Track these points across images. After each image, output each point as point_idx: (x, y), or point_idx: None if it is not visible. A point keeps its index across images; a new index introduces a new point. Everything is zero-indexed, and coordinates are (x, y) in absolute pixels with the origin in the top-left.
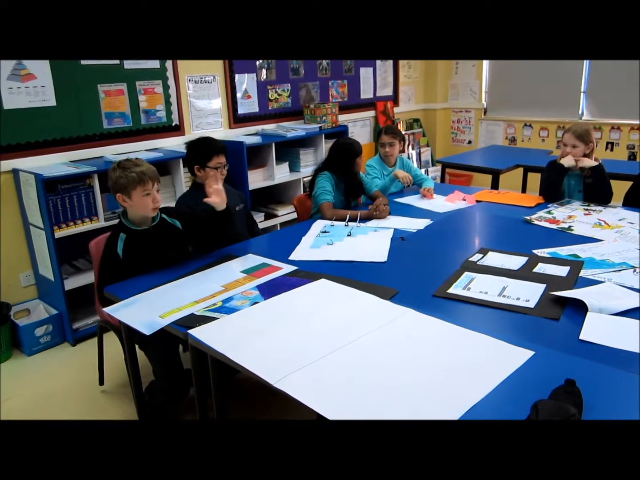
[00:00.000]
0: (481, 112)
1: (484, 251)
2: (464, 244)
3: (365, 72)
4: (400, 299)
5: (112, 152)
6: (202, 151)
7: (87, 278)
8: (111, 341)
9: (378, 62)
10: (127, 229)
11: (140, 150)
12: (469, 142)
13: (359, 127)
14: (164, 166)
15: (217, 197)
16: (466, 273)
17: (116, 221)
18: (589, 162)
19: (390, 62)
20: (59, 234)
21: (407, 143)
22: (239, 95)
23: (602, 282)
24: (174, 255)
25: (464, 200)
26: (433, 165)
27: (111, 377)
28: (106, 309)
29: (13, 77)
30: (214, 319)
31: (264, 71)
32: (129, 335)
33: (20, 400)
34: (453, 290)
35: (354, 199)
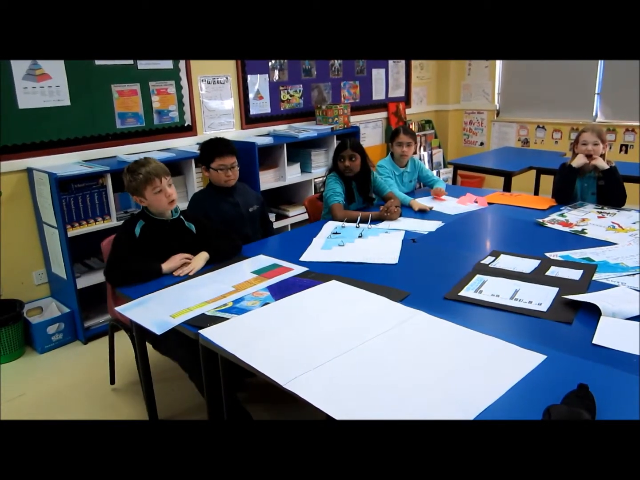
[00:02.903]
0: (494, 113)
1: (496, 254)
2: (476, 247)
3: (378, 73)
4: (411, 301)
5: (125, 152)
6: (206, 153)
7: (99, 277)
8: (122, 340)
9: (390, 62)
10: (147, 217)
11: (153, 150)
12: (481, 143)
13: (371, 128)
14: (176, 166)
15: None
16: (478, 276)
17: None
18: (602, 163)
19: (403, 63)
20: (71, 232)
21: (419, 144)
22: (251, 96)
23: (615, 285)
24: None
25: (476, 202)
26: (445, 167)
27: (122, 376)
28: (118, 308)
29: (28, 77)
30: (224, 319)
31: (276, 72)
32: (139, 334)
33: (32, 398)
34: (464, 292)
35: (364, 200)
